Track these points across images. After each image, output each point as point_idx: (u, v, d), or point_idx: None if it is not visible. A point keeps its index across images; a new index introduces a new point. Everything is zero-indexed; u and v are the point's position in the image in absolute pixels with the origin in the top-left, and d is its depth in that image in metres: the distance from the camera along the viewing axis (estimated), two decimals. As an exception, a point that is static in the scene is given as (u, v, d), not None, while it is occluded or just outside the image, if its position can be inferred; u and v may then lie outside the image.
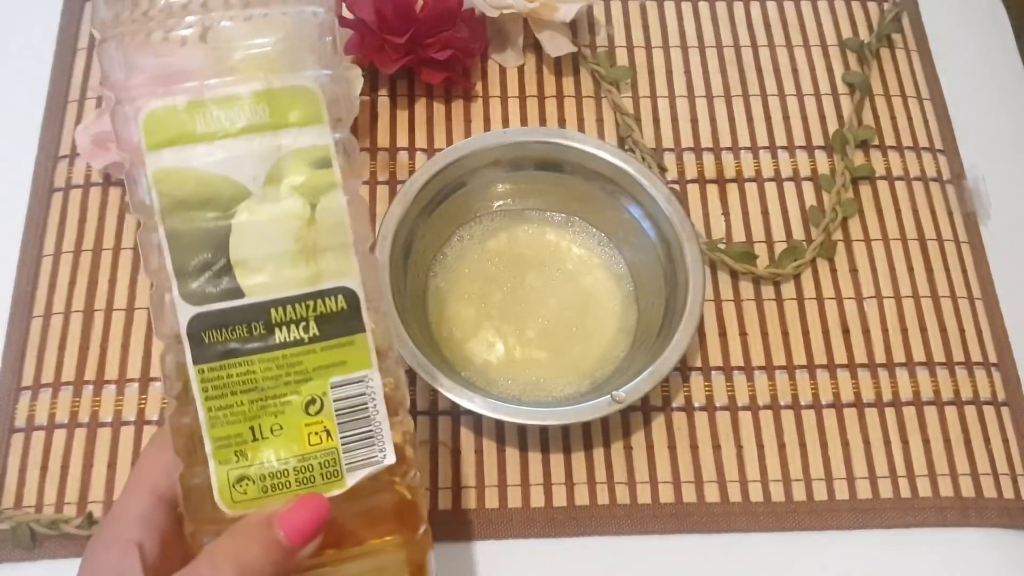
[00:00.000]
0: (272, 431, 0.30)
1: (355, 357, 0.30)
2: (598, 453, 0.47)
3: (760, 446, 0.47)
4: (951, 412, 0.49)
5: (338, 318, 0.30)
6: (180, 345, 0.29)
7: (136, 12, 0.29)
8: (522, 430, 0.47)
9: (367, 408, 0.30)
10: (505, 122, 0.55)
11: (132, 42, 0.29)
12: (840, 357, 0.50)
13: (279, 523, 0.29)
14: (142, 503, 0.31)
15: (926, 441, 0.48)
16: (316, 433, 0.30)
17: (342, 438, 0.30)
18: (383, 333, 0.31)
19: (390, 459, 0.30)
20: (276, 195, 0.29)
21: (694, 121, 0.56)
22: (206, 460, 0.29)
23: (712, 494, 0.46)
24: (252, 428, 0.29)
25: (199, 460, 0.30)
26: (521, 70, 0.57)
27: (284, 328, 0.29)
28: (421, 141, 0.54)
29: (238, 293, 0.29)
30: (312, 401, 0.30)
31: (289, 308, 0.29)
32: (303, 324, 0.29)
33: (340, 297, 0.30)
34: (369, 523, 0.31)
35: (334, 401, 0.30)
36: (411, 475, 0.32)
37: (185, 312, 0.29)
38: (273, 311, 0.29)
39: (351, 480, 0.30)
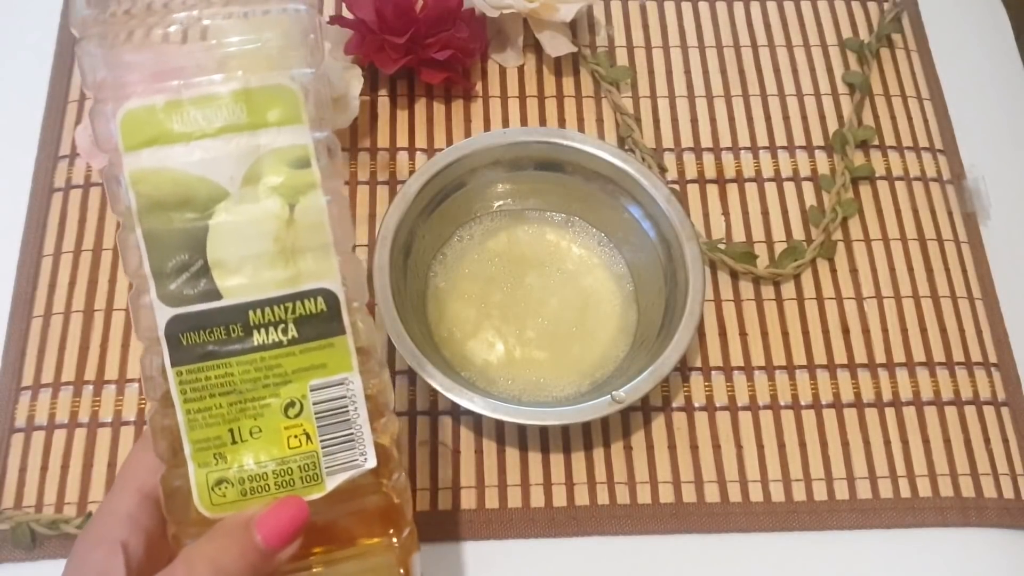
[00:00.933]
0: (251, 434, 0.29)
1: (335, 360, 0.30)
2: (598, 453, 0.47)
3: (760, 446, 0.47)
4: (951, 412, 0.49)
5: (317, 320, 0.29)
6: (159, 347, 0.29)
7: (116, 11, 0.29)
8: (522, 430, 0.47)
9: (347, 411, 0.30)
10: (505, 122, 0.55)
11: (111, 41, 0.29)
12: (840, 357, 0.50)
13: (256, 526, 0.28)
14: (129, 502, 0.31)
15: (926, 441, 0.48)
16: (295, 436, 0.30)
17: (322, 441, 0.30)
18: (365, 335, 0.31)
19: (371, 463, 0.30)
20: (254, 195, 0.29)
21: (694, 121, 0.56)
22: (186, 462, 0.29)
23: (712, 494, 0.46)
24: (231, 431, 0.29)
25: (180, 462, 0.29)
26: (521, 70, 0.57)
27: (262, 330, 0.29)
28: (421, 141, 0.54)
29: (216, 295, 0.29)
30: (291, 404, 0.30)
31: (267, 310, 0.29)
32: (282, 326, 0.29)
33: (319, 299, 0.29)
34: (353, 525, 0.31)
35: (314, 404, 0.30)
36: (396, 477, 0.31)
37: (163, 314, 0.29)
38: (251, 313, 0.29)
39: (331, 484, 0.30)
